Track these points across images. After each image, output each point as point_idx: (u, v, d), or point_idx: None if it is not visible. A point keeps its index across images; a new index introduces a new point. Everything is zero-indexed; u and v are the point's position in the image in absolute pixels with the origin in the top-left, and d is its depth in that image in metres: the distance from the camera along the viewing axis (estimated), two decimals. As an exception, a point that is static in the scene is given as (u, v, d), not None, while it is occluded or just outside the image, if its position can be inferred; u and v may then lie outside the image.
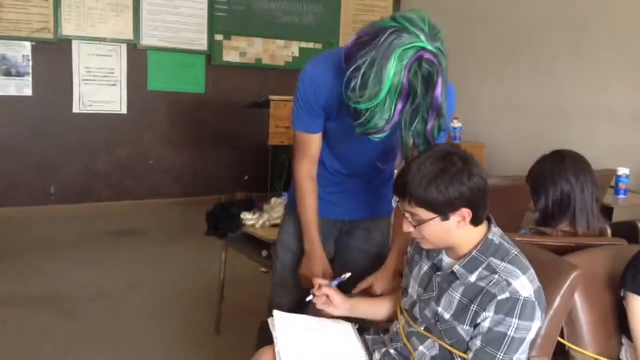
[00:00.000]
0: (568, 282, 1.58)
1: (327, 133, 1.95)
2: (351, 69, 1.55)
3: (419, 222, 1.51)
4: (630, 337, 1.68)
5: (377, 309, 1.84)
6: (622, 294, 1.69)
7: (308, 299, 1.78)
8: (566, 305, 1.61)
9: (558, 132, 4.93)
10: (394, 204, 2.10)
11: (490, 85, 5.71)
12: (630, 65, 4.51)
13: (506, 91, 5.57)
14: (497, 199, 2.95)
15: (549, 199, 2.11)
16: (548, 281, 1.59)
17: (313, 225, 2.00)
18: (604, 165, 3.59)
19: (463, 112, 5.78)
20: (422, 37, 1.49)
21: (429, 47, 1.49)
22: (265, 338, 1.77)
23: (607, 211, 3.35)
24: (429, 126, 1.56)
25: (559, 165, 2.13)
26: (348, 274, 1.86)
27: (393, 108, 1.53)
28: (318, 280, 1.77)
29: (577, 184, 2.09)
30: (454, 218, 1.49)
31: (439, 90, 1.52)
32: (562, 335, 1.71)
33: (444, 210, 1.48)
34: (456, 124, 5.54)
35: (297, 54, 6.28)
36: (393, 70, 1.48)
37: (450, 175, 1.46)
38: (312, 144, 1.93)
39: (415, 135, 1.59)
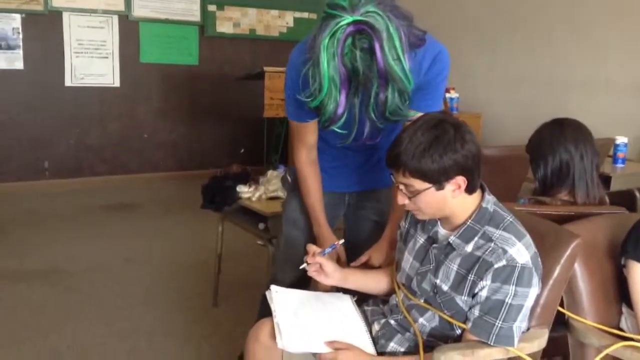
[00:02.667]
0: (568, 251, 1.56)
1: None
2: (301, 77, 1.58)
3: (414, 193, 1.49)
4: (630, 306, 1.67)
5: (371, 282, 1.82)
6: (623, 262, 1.68)
7: (302, 267, 1.76)
8: (566, 274, 1.59)
9: (555, 102, 4.89)
10: None
11: (487, 56, 5.65)
12: (627, 34, 4.46)
13: (503, 61, 5.51)
14: (494, 169, 2.94)
15: (548, 167, 2.08)
16: (548, 250, 1.57)
17: (319, 208, 2.01)
18: (602, 135, 3.56)
19: (459, 82, 5.74)
20: (345, 13, 1.44)
21: (354, 19, 1.44)
22: (267, 310, 1.76)
23: (605, 180, 3.33)
24: (380, 96, 1.52)
25: (558, 134, 2.09)
26: (341, 241, 1.86)
27: (338, 95, 1.52)
28: (312, 248, 1.75)
29: (577, 152, 2.06)
30: (449, 187, 1.47)
31: (379, 55, 1.46)
32: (562, 305, 1.70)
33: (438, 179, 1.45)
34: (453, 94, 5.50)
35: (291, 24, 6.19)
36: (326, 63, 1.47)
37: (444, 144, 1.43)
38: (307, 131, 1.92)
39: (374, 110, 1.56)
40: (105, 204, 5.02)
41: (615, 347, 1.57)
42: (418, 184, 1.47)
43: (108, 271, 3.62)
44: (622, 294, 1.71)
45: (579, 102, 4.73)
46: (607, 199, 2.20)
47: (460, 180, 1.46)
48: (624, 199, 3.52)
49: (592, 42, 4.69)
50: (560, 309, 1.68)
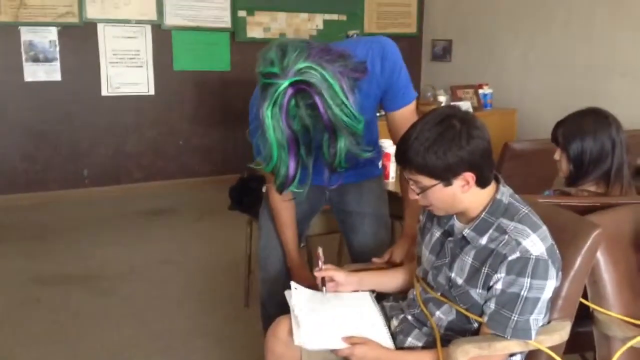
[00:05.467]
0: (589, 241, 1.53)
1: None
2: (254, 144, 1.61)
3: (423, 189, 1.48)
4: (658, 297, 1.62)
5: (386, 280, 1.83)
6: (648, 252, 1.63)
7: (325, 293, 1.75)
8: (587, 265, 1.56)
9: (591, 93, 4.77)
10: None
11: (522, 48, 5.56)
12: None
13: (538, 53, 5.41)
14: (526, 163, 2.90)
15: (587, 151, 2.03)
16: (569, 241, 1.55)
17: (292, 245, 2.09)
18: (640, 124, 3.47)
19: (494, 77, 5.65)
20: (279, 78, 1.45)
21: (290, 82, 1.45)
22: (269, 319, 1.81)
23: (641, 173, 3.24)
24: (331, 149, 1.53)
25: (602, 120, 2.06)
26: (320, 249, 1.83)
27: (288, 159, 1.54)
28: (317, 274, 1.75)
29: (618, 141, 2.03)
30: (457, 183, 1.45)
31: (321, 108, 1.47)
32: (586, 297, 1.66)
33: (445, 176, 1.44)
34: (487, 90, 5.42)
35: (321, 26, 6.20)
36: (272, 130, 1.48)
37: (449, 140, 1.41)
38: None
39: (329, 160, 1.57)
40: (142, 210, 5.12)
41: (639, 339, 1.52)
42: (425, 180, 1.46)
43: (143, 274, 3.69)
44: (650, 285, 1.67)
45: (618, 91, 4.61)
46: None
47: (469, 176, 1.44)
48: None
49: (633, 27, 4.55)
50: (584, 301, 1.64)
